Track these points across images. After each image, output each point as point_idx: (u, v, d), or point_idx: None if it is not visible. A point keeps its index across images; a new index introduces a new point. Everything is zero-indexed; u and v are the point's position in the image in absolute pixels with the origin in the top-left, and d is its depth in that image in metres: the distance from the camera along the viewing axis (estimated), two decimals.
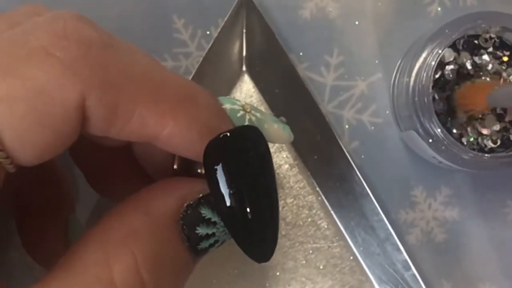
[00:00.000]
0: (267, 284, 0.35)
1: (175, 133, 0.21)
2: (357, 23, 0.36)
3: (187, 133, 0.22)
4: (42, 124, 0.19)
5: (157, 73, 0.21)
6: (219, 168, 0.22)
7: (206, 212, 0.23)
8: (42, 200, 0.28)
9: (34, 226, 0.28)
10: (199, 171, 0.25)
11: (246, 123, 0.24)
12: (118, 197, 0.25)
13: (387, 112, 0.35)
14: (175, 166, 0.25)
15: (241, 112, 0.24)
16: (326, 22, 0.35)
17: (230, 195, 0.22)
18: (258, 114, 0.25)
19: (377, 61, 0.35)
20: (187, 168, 0.25)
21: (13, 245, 0.29)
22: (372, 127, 0.35)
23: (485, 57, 0.31)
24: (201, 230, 0.23)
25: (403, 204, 0.35)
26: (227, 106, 0.24)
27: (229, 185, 0.22)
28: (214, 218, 0.23)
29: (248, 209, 0.22)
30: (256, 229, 0.23)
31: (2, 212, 0.28)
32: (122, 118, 0.20)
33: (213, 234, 0.23)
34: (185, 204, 0.23)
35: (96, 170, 0.28)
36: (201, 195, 0.23)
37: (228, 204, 0.22)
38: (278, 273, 0.35)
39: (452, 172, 0.35)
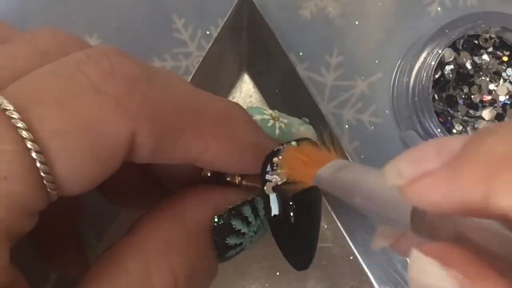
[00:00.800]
0: (267, 284, 0.35)
1: (217, 153, 0.22)
2: (357, 23, 0.36)
3: (228, 151, 0.22)
4: (93, 158, 0.19)
5: (195, 98, 0.22)
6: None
7: (236, 224, 0.24)
8: (55, 207, 0.28)
9: (48, 232, 0.28)
10: (228, 179, 0.25)
11: (277, 131, 0.25)
12: (130, 206, 0.25)
13: (387, 112, 0.35)
14: (208, 174, 0.25)
15: (271, 122, 0.25)
16: (326, 22, 0.35)
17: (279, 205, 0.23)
18: (285, 120, 0.26)
19: (377, 61, 0.35)
20: (217, 175, 0.25)
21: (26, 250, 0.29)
22: (372, 127, 0.35)
23: (485, 57, 0.31)
24: (231, 241, 0.24)
25: None
26: (257, 117, 0.25)
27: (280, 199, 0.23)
28: (244, 229, 0.24)
29: (291, 214, 0.23)
30: (299, 237, 0.24)
31: None
32: (168, 147, 0.21)
33: (241, 243, 0.24)
34: (217, 215, 0.23)
35: (108, 179, 0.28)
36: (231, 206, 0.24)
37: (275, 212, 0.23)
38: (278, 273, 0.35)
39: None
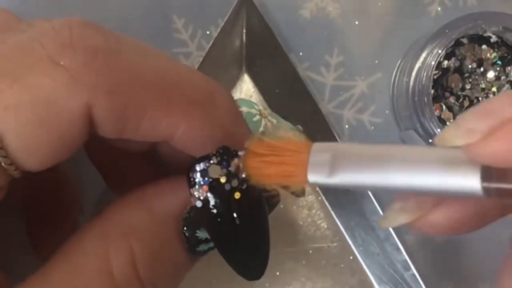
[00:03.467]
0: (267, 284, 0.35)
1: (188, 134, 0.21)
2: (357, 23, 0.36)
3: (200, 135, 0.21)
4: (47, 131, 0.19)
5: (170, 74, 0.21)
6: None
7: None
8: (50, 202, 0.28)
9: (44, 228, 0.28)
10: None
11: (262, 128, 0.24)
12: None
13: (387, 112, 0.35)
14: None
15: (258, 117, 0.24)
16: (326, 22, 0.35)
17: (218, 215, 0.21)
18: (274, 121, 0.24)
19: (377, 61, 0.35)
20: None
21: (14, 245, 0.29)
22: (372, 127, 0.35)
23: (485, 56, 0.31)
24: (201, 234, 0.23)
25: None
26: (244, 109, 0.24)
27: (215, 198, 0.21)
28: None
29: (235, 215, 0.22)
30: (246, 247, 0.23)
31: (4, 213, 0.28)
32: (132, 122, 0.20)
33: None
34: (189, 206, 0.22)
35: (115, 172, 0.28)
36: None
37: (216, 223, 0.22)
38: (278, 273, 0.35)
39: None
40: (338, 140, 0.34)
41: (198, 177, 0.21)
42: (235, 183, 0.21)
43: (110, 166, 0.28)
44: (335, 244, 0.35)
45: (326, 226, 0.35)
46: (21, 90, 0.18)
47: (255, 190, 0.21)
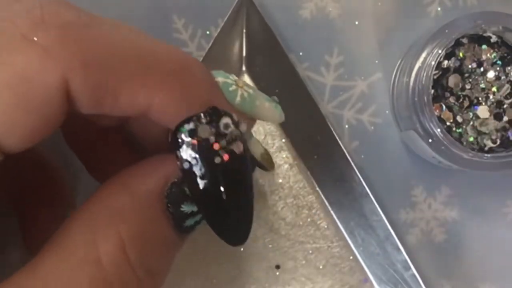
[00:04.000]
0: (267, 284, 0.35)
1: (165, 105, 0.21)
2: (357, 23, 0.36)
3: (177, 105, 0.21)
4: (26, 109, 0.19)
5: (144, 47, 0.21)
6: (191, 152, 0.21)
7: None
8: (41, 197, 0.28)
9: (36, 224, 0.28)
10: None
11: (238, 98, 0.24)
12: None
13: (387, 112, 0.35)
14: (169, 139, 0.24)
15: (234, 87, 0.24)
16: (326, 22, 0.35)
17: (204, 176, 0.21)
18: (250, 91, 0.24)
19: (377, 61, 0.35)
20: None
21: (11, 244, 0.29)
22: (372, 127, 0.35)
23: (485, 57, 0.31)
24: (186, 208, 0.23)
25: (403, 204, 0.35)
26: (219, 79, 0.23)
27: (202, 168, 0.21)
28: None
29: (222, 189, 0.22)
30: (231, 210, 0.23)
31: (1, 212, 0.28)
32: (110, 96, 0.20)
33: (198, 211, 0.23)
34: (170, 182, 0.22)
35: (92, 155, 0.28)
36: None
37: (202, 186, 0.22)
38: (278, 273, 0.35)
39: (452, 172, 0.35)
40: (338, 140, 0.34)
41: (185, 137, 0.21)
42: (223, 143, 0.21)
43: (88, 152, 0.28)
44: (335, 244, 0.35)
45: (326, 226, 0.35)
46: None
47: (241, 148, 0.22)
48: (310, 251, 0.35)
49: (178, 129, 0.21)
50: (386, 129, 0.35)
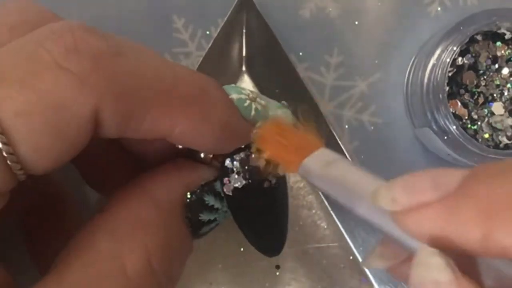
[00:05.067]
0: (267, 284, 0.35)
1: (187, 130, 0.22)
2: (357, 23, 0.36)
3: (199, 129, 0.22)
4: (57, 137, 0.19)
5: (167, 73, 0.22)
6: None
7: (209, 200, 0.24)
8: (48, 216, 0.28)
9: (42, 242, 0.28)
10: (202, 155, 0.25)
11: (253, 112, 0.24)
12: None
13: (387, 112, 0.35)
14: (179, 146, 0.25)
15: (248, 102, 0.24)
16: (326, 22, 0.35)
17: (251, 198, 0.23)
18: (262, 102, 0.25)
19: (377, 61, 0.35)
20: (189, 151, 0.25)
21: (13, 245, 0.29)
22: (372, 127, 0.35)
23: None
24: (204, 217, 0.24)
25: None
26: (234, 96, 0.24)
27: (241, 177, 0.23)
28: (217, 205, 0.24)
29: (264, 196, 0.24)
30: (269, 223, 0.24)
31: (5, 215, 0.28)
32: (135, 123, 0.21)
33: (215, 219, 0.24)
34: (189, 192, 0.23)
35: (90, 165, 0.28)
36: (204, 182, 0.24)
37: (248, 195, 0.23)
38: (278, 273, 0.35)
39: None
40: (338, 140, 0.34)
41: (236, 165, 0.23)
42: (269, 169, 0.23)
43: (85, 161, 0.28)
44: (335, 244, 0.35)
45: (326, 226, 0.35)
46: (31, 96, 0.18)
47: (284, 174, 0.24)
48: (310, 251, 0.35)
49: (226, 158, 0.23)
50: (386, 129, 0.35)
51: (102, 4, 0.35)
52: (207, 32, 0.35)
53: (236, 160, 0.23)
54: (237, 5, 0.33)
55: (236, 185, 0.23)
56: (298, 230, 0.35)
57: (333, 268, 0.35)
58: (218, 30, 0.33)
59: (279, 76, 0.35)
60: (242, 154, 0.23)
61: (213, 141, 0.22)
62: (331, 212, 0.35)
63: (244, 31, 0.34)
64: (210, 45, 0.33)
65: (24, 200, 0.28)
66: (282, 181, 0.25)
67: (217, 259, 0.34)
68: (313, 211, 0.35)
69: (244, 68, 0.36)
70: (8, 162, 0.18)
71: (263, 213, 0.24)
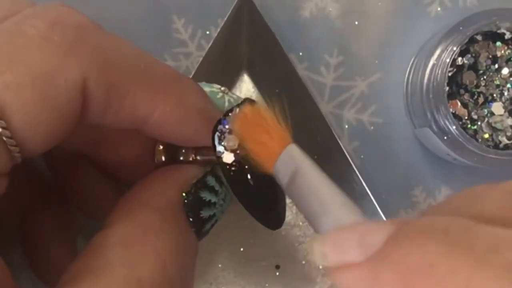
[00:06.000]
0: (267, 284, 0.35)
1: (166, 114, 0.22)
2: (357, 23, 0.36)
3: (177, 114, 0.22)
4: (49, 107, 0.19)
5: (144, 58, 0.22)
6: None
7: (205, 195, 0.24)
8: (48, 223, 0.28)
9: (42, 248, 0.28)
10: (181, 158, 0.25)
11: (226, 103, 0.25)
12: (99, 216, 0.25)
13: (387, 112, 0.35)
14: (163, 158, 0.25)
15: (220, 94, 0.25)
16: (326, 22, 0.35)
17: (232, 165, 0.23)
18: (235, 96, 0.26)
19: (377, 61, 0.35)
20: (170, 158, 0.25)
21: (12, 246, 0.29)
22: (372, 127, 0.35)
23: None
24: (205, 213, 0.24)
25: (403, 204, 0.35)
26: (206, 89, 0.25)
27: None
28: (214, 199, 0.24)
29: (249, 176, 0.23)
30: (265, 197, 0.24)
31: (3, 215, 0.28)
32: (117, 98, 0.21)
33: (214, 214, 0.24)
34: (184, 192, 0.23)
35: (79, 194, 0.28)
36: (195, 180, 0.24)
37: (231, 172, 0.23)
38: (278, 273, 0.35)
39: (451, 172, 0.35)
40: (338, 140, 0.34)
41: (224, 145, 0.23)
42: None
43: (66, 179, 0.28)
44: None
45: None
46: (19, 69, 0.19)
47: None
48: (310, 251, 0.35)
49: (219, 122, 0.23)
50: (386, 129, 0.35)
51: (102, 4, 0.35)
52: (207, 32, 0.35)
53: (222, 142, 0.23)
54: (237, 5, 0.33)
55: (229, 161, 0.23)
56: (298, 230, 0.35)
57: None
58: (218, 30, 0.33)
59: (279, 76, 0.35)
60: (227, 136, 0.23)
61: (190, 127, 0.23)
62: None
63: (244, 31, 0.34)
64: (210, 45, 0.33)
65: (20, 210, 0.28)
66: None
67: (217, 259, 0.34)
68: None
69: (244, 68, 0.36)
70: (4, 138, 0.18)
71: (261, 188, 0.24)
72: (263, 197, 0.24)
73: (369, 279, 0.16)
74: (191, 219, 0.23)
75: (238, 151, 0.23)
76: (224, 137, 0.23)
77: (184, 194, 0.23)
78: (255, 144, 0.22)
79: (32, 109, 0.19)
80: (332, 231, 0.19)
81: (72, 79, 0.19)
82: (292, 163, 0.21)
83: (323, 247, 0.18)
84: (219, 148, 0.23)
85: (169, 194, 0.23)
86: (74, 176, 0.28)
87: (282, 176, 0.21)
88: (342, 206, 0.20)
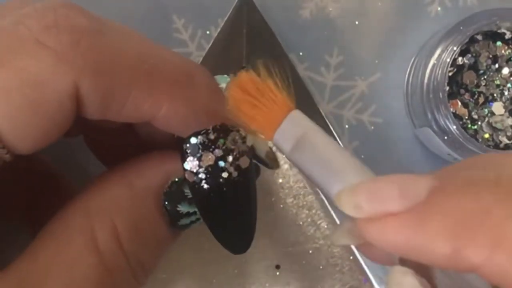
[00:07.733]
0: (267, 284, 0.35)
1: (171, 113, 0.22)
2: (357, 23, 0.36)
3: (183, 113, 0.22)
4: (37, 113, 0.19)
5: (151, 55, 0.22)
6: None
7: (188, 192, 0.23)
8: (51, 207, 0.29)
9: None
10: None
11: None
12: None
13: (387, 111, 0.35)
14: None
15: None
16: (326, 22, 0.35)
17: (210, 189, 0.22)
18: None
19: (377, 61, 0.35)
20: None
21: (12, 244, 0.29)
22: (372, 127, 0.35)
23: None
24: (182, 208, 0.23)
25: None
26: (223, 85, 0.24)
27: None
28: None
29: (224, 188, 0.22)
30: (233, 220, 0.24)
31: (2, 212, 0.28)
32: (117, 102, 0.21)
33: (195, 212, 0.23)
34: (170, 181, 0.23)
35: (109, 155, 0.28)
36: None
37: (206, 196, 0.22)
38: (278, 273, 0.35)
39: None
40: (339, 140, 0.34)
41: (193, 151, 0.22)
42: (230, 159, 0.22)
43: (105, 151, 0.28)
44: (335, 244, 0.35)
45: (326, 226, 0.35)
46: (9, 73, 0.18)
47: (248, 163, 0.23)
48: (310, 251, 0.35)
49: (186, 142, 0.22)
50: (386, 129, 0.35)
51: (102, 4, 0.35)
52: (207, 32, 0.35)
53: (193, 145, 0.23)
54: (237, 5, 0.33)
55: (191, 169, 0.22)
56: (298, 230, 0.35)
57: (333, 268, 0.35)
58: (218, 30, 0.33)
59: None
60: (199, 139, 0.22)
61: (196, 127, 0.22)
62: (331, 212, 0.35)
63: (244, 31, 0.34)
64: (210, 45, 0.33)
65: (26, 200, 0.28)
66: (246, 174, 0.23)
67: (217, 259, 0.34)
68: (313, 211, 0.35)
69: (244, 68, 0.36)
70: None
71: (225, 206, 0.23)
72: (226, 219, 0.24)
73: (415, 229, 0.16)
74: (167, 208, 0.23)
75: (210, 169, 0.22)
76: (187, 157, 0.22)
77: (169, 183, 0.23)
78: (254, 111, 0.21)
79: (19, 115, 0.19)
80: (366, 181, 0.18)
81: (62, 86, 0.19)
82: (297, 129, 0.20)
83: (355, 197, 0.17)
84: (185, 165, 0.22)
85: (150, 177, 0.23)
86: (112, 148, 0.27)
87: (285, 142, 0.20)
88: (355, 167, 0.19)
